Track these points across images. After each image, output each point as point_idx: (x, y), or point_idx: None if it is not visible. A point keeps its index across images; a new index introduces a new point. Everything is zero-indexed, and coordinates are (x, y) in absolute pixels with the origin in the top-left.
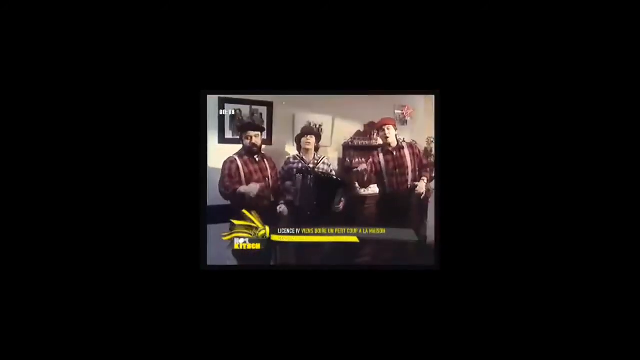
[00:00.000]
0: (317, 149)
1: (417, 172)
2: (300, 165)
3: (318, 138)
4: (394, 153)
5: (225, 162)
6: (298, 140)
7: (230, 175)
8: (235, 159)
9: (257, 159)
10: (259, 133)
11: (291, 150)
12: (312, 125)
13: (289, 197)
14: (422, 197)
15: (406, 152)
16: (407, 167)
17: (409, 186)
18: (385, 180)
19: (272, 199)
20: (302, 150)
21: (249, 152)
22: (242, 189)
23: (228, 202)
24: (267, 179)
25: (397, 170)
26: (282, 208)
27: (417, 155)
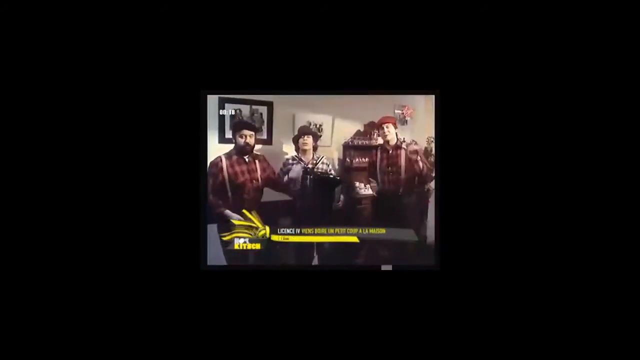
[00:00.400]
0: (315, 148)
1: (411, 174)
2: (301, 166)
3: (316, 138)
4: (390, 151)
5: (209, 166)
6: (296, 141)
7: (214, 192)
8: (220, 161)
9: (247, 160)
10: (254, 133)
11: (289, 150)
12: (310, 125)
13: (289, 198)
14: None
15: (402, 152)
16: (401, 167)
17: (402, 186)
18: (378, 178)
19: (262, 200)
20: (300, 151)
21: (240, 151)
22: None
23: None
24: (254, 181)
25: (390, 169)
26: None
27: (412, 160)
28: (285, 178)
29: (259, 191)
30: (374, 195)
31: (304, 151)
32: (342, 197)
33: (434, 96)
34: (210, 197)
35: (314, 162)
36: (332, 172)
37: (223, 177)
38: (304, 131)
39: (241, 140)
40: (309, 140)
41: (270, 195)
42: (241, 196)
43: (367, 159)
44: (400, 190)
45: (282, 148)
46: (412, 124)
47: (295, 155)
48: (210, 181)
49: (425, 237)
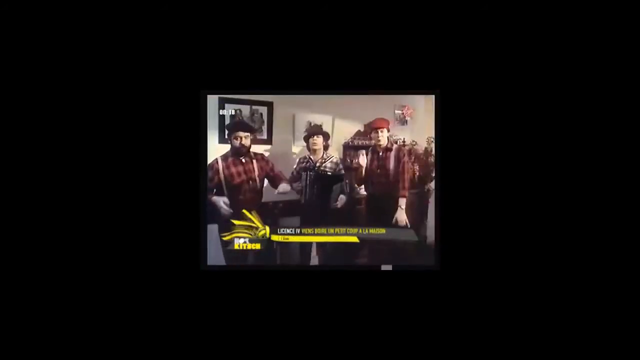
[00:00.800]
0: (326, 147)
1: (399, 175)
2: (308, 164)
3: (326, 137)
4: (380, 153)
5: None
6: (306, 140)
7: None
8: (216, 162)
9: (244, 160)
10: (249, 134)
11: (294, 150)
12: (312, 125)
13: (297, 197)
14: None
15: (392, 154)
16: (389, 170)
17: (389, 188)
18: (369, 180)
19: (262, 200)
20: (310, 151)
21: (236, 152)
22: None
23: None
24: (250, 181)
25: (379, 171)
26: (283, 187)
27: (402, 160)
28: (293, 184)
29: (258, 191)
30: (366, 196)
31: (314, 151)
32: (341, 196)
33: (434, 96)
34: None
35: (323, 160)
36: (342, 171)
37: (219, 179)
38: (314, 131)
39: (236, 142)
40: (318, 140)
41: (271, 195)
42: (237, 197)
43: (358, 160)
44: (389, 192)
45: (284, 148)
46: (412, 124)
47: (307, 155)
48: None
49: (425, 237)
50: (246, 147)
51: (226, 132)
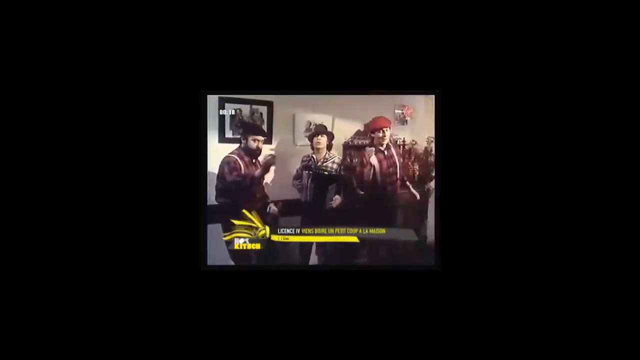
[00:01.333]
0: (330, 147)
1: (406, 173)
2: (310, 163)
3: (330, 137)
4: (385, 153)
5: (225, 160)
6: (311, 139)
7: (232, 171)
8: (237, 158)
9: (253, 161)
10: (263, 138)
11: (294, 150)
12: (312, 124)
13: (297, 195)
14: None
15: (393, 151)
16: (397, 167)
17: (397, 186)
18: (378, 180)
19: (269, 200)
20: (314, 150)
21: (251, 154)
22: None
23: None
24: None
25: (391, 170)
26: (271, 208)
27: (405, 158)
28: (293, 182)
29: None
30: (366, 196)
31: (317, 150)
32: (336, 197)
33: (434, 96)
34: (226, 175)
35: (324, 160)
36: (342, 172)
37: (242, 175)
38: (319, 131)
39: (253, 144)
40: (322, 139)
41: (272, 195)
42: (255, 196)
43: (369, 159)
44: (392, 191)
45: (283, 148)
46: (412, 124)
47: (310, 154)
48: (228, 166)
49: (425, 237)
50: (260, 150)
51: (240, 131)
